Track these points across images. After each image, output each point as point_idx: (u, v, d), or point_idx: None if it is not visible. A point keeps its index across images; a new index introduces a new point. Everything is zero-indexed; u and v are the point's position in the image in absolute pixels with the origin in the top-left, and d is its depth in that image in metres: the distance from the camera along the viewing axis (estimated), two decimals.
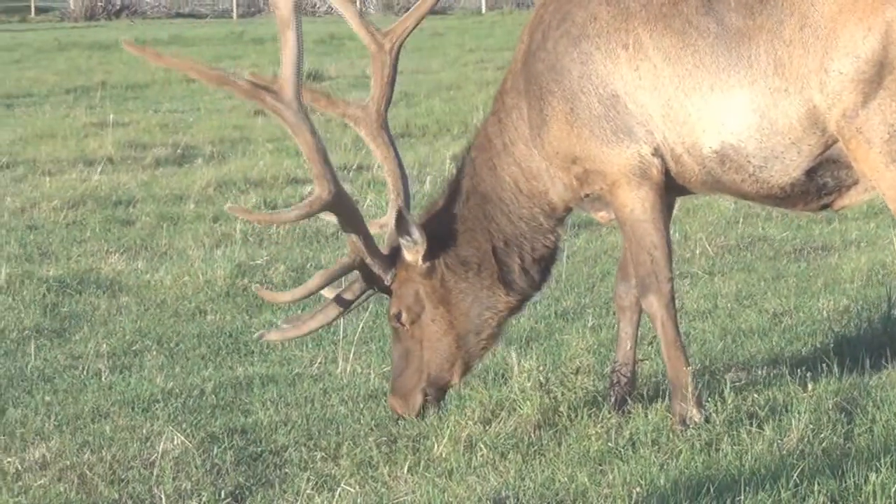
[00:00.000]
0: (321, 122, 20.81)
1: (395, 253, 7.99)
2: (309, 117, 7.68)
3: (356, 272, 8.02)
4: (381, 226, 8.10)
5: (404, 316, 7.99)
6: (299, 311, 8.71)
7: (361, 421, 8.08)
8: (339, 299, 8.07)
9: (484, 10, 58.49)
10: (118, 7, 54.33)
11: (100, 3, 54.18)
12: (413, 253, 7.90)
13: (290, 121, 7.64)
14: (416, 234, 7.84)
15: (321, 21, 47.77)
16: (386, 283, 8.02)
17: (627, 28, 7.53)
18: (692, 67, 7.41)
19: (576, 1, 7.72)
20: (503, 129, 7.92)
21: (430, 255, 7.91)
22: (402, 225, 7.83)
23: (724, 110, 7.37)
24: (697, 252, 12.67)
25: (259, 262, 12.14)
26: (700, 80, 7.40)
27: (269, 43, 32.95)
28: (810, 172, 7.43)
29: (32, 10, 57.20)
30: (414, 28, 8.01)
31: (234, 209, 7.92)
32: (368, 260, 7.91)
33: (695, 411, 7.66)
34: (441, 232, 7.96)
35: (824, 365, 8.54)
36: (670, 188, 7.79)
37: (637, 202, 7.67)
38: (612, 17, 7.57)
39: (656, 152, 7.58)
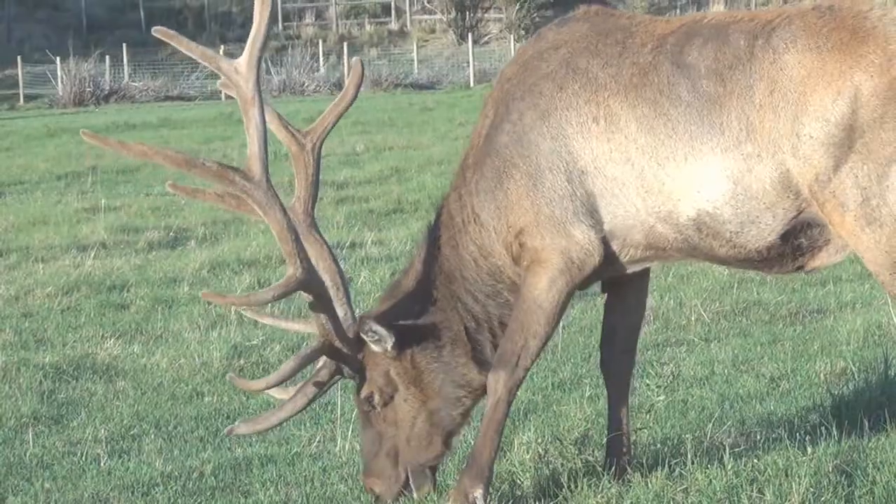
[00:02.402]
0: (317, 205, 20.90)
1: (359, 339, 7.92)
2: (278, 197, 7.59)
3: (324, 356, 7.92)
4: (325, 321, 7.87)
5: (376, 398, 7.88)
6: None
7: (361, 499, 8.06)
8: (307, 387, 7.99)
9: (472, 84, 58.51)
10: (107, 92, 54.52)
11: (88, 89, 54.33)
12: (382, 346, 7.79)
13: (259, 201, 7.54)
14: (383, 331, 7.78)
15: (310, 100, 47.95)
16: (354, 367, 7.93)
17: (598, 100, 7.49)
18: (665, 137, 7.38)
19: (542, 73, 7.68)
20: (463, 206, 7.89)
21: (399, 341, 7.81)
22: (366, 330, 7.78)
23: (699, 178, 7.35)
24: (693, 319, 12.70)
25: (255, 342, 12.16)
26: (674, 148, 7.38)
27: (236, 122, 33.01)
28: (785, 235, 7.44)
29: (21, 97, 57.38)
30: (334, 125, 7.92)
31: (208, 295, 7.91)
32: (336, 343, 7.81)
33: (479, 492, 7.62)
34: (409, 314, 7.91)
35: (823, 428, 8.55)
36: (637, 264, 7.82)
37: (548, 291, 7.60)
38: (581, 89, 7.54)
39: (605, 241, 7.60)
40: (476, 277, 7.86)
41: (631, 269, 7.77)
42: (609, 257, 7.57)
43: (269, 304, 8.27)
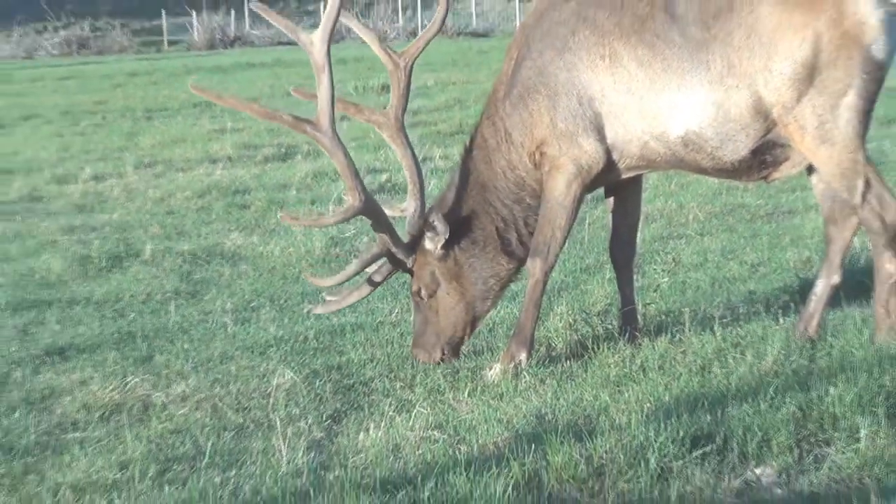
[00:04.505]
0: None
1: (414, 241, 7.98)
2: (341, 142, 7.65)
3: (384, 258, 8.03)
4: (402, 210, 8.07)
5: (423, 292, 8.01)
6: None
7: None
8: (370, 279, 8.13)
9: None
10: (232, 38, 54.38)
11: (217, 36, 54.24)
12: (434, 242, 7.91)
13: (326, 146, 7.62)
14: (441, 228, 7.85)
15: (394, 43, 47.66)
16: (408, 265, 8.04)
17: (604, 42, 7.52)
18: (661, 71, 7.40)
19: (556, 20, 7.70)
20: (496, 130, 7.91)
21: (446, 242, 7.92)
22: (431, 222, 7.86)
23: (689, 104, 7.37)
24: (690, 218, 12.63)
25: (347, 234, 12.18)
26: (668, 81, 7.39)
27: (350, 62, 32.87)
28: (755, 151, 7.45)
29: (165, 42, 57.34)
30: (423, 49, 7.91)
31: (285, 217, 7.92)
32: (393, 249, 7.91)
33: (524, 356, 7.74)
34: (453, 220, 7.92)
35: (792, 304, 8.52)
36: (632, 171, 7.82)
37: (565, 190, 7.68)
38: (591, 33, 7.56)
39: (608, 151, 7.59)
40: (505, 186, 7.91)
41: (626, 175, 7.86)
42: (610, 164, 7.67)
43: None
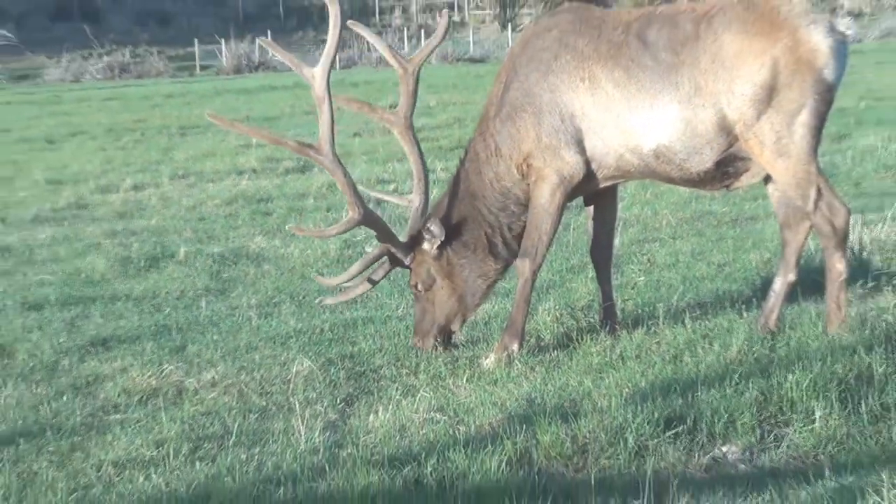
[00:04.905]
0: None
1: (412, 241, 7.98)
2: (341, 163, 7.69)
3: (385, 258, 8.06)
4: (409, 201, 8.10)
5: (420, 286, 8.02)
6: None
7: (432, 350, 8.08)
8: (370, 278, 8.15)
9: None
10: (256, 63, 54.30)
11: (243, 62, 54.17)
12: (431, 244, 7.92)
13: (327, 167, 7.66)
14: (438, 231, 7.86)
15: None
16: (406, 263, 8.05)
17: (583, 67, 7.52)
18: (635, 91, 7.39)
19: (540, 47, 7.70)
20: (487, 145, 7.90)
21: (440, 244, 7.93)
22: (429, 226, 7.86)
23: (660, 121, 7.36)
24: (663, 223, 12.61)
25: (358, 238, 12.17)
26: (642, 100, 7.38)
27: (362, 85, 32.87)
28: (718, 163, 7.45)
29: (197, 67, 57.31)
30: (428, 56, 7.93)
31: (294, 228, 8.04)
32: (393, 249, 7.94)
33: (516, 346, 7.73)
34: (446, 225, 7.93)
35: (754, 300, 8.49)
36: (609, 180, 7.80)
37: (550, 198, 7.67)
38: (572, 58, 7.56)
39: (587, 163, 7.58)
40: (492, 196, 7.93)
41: (604, 185, 7.85)
42: (590, 175, 7.66)
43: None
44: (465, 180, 8.02)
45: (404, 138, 7.91)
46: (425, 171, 7.97)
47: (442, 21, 7.98)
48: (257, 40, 8.18)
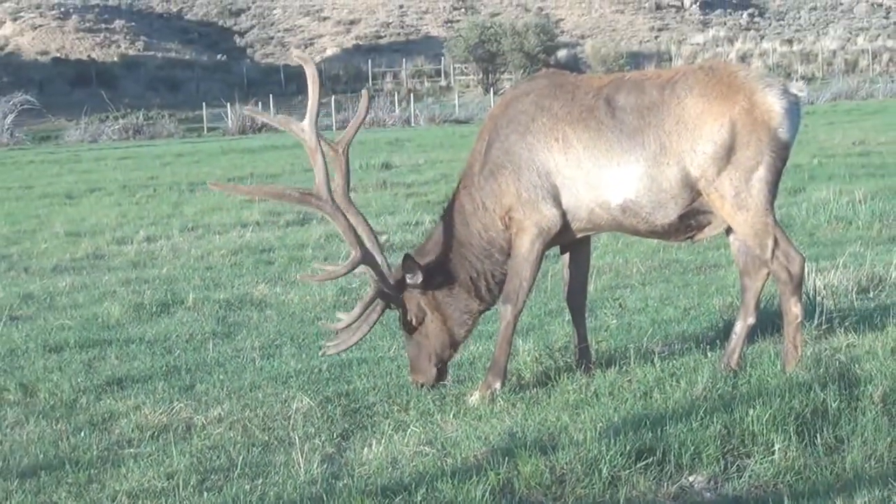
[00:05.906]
0: (394, 198, 20.93)
1: (401, 283, 7.94)
2: (341, 209, 7.68)
3: (378, 299, 7.98)
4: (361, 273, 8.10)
5: (414, 320, 8.00)
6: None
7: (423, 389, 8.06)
8: (368, 318, 8.03)
9: None
10: (259, 125, 54.30)
11: (247, 123, 54.18)
12: (413, 280, 7.87)
13: (327, 212, 7.69)
14: (419, 275, 7.85)
15: (389, 130, 47.84)
16: (397, 304, 8.00)
17: (557, 128, 7.55)
18: (605, 150, 7.43)
19: (519, 110, 7.73)
20: (472, 199, 7.91)
21: (425, 283, 7.89)
22: (409, 269, 7.85)
23: (627, 178, 7.40)
24: (634, 270, 12.65)
25: (354, 285, 12.17)
26: (610, 158, 7.42)
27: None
28: (682, 216, 7.48)
29: (205, 129, 57.36)
30: (354, 135, 7.92)
31: (304, 277, 8.07)
32: (386, 290, 7.88)
33: (499, 384, 7.74)
34: (433, 267, 7.93)
35: (718, 341, 8.50)
36: (582, 232, 7.81)
37: (529, 247, 7.68)
38: (547, 120, 7.59)
39: (563, 216, 7.60)
40: (478, 244, 7.92)
41: (579, 235, 7.85)
42: (565, 226, 7.67)
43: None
44: (452, 230, 8.02)
45: (333, 215, 7.73)
46: (375, 235, 7.89)
47: (363, 100, 8.00)
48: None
